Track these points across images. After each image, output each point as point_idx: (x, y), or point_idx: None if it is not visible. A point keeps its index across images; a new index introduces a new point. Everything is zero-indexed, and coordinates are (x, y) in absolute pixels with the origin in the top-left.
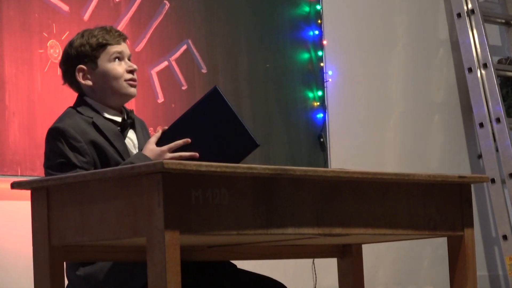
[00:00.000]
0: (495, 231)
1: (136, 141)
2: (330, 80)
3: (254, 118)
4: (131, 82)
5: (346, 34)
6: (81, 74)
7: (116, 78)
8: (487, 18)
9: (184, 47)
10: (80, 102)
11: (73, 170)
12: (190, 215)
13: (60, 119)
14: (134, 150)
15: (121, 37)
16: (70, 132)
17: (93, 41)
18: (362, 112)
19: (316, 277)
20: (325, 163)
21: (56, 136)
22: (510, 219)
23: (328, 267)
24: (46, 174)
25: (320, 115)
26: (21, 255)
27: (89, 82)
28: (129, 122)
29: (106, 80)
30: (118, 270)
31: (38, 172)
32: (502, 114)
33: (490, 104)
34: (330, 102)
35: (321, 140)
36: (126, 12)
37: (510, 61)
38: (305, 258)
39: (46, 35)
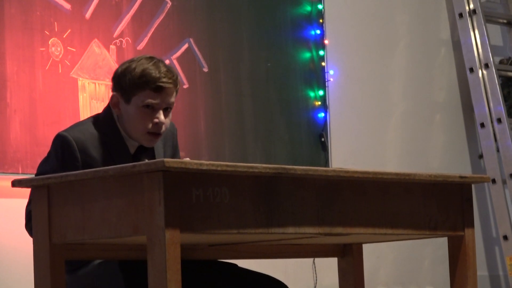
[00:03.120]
0: (495, 231)
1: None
2: (331, 79)
3: (256, 117)
4: (150, 138)
5: (347, 33)
6: (114, 100)
7: (137, 127)
8: (489, 18)
9: (186, 45)
10: (108, 118)
11: None
12: (191, 214)
13: (73, 127)
14: None
15: (164, 85)
16: (73, 147)
17: (136, 77)
18: (363, 112)
19: (316, 277)
20: (326, 163)
21: (59, 145)
22: (510, 219)
23: (329, 266)
24: (36, 172)
25: (321, 115)
26: (21, 253)
27: (118, 111)
28: (144, 150)
29: (130, 122)
30: (111, 272)
31: None
32: (503, 114)
33: (491, 104)
34: (331, 102)
35: (322, 139)
36: (128, 11)
37: None
38: (306, 258)
39: (47, 33)
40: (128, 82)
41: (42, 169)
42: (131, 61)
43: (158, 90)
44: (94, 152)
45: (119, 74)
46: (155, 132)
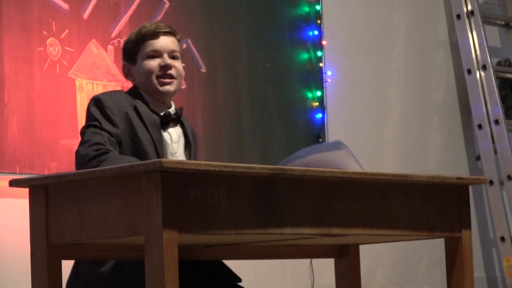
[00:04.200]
0: (493, 233)
1: (175, 136)
2: (329, 80)
3: (253, 117)
4: (161, 80)
5: (345, 34)
6: (126, 70)
7: (147, 75)
8: (487, 20)
9: (184, 46)
10: (133, 89)
11: (102, 133)
12: (189, 214)
13: (106, 92)
14: (170, 143)
15: (161, 32)
16: (108, 102)
17: (133, 36)
18: (361, 113)
19: (313, 277)
20: None
21: (95, 103)
22: (508, 220)
23: (326, 267)
24: (80, 134)
25: (319, 115)
26: (19, 253)
27: (132, 79)
28: (173, 117)
29: (142, 77)
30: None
31: (36, 170)
32: (501, 116)
33: (489, 105)
34: (329, 103)
35: (320, 140)
36: (126, 11)
37: (510, 63)
38: (303, 258)
39: (45, 33)
40: (130, 45)
41: (84, 132)
42: (131, 32)
43: (156, 36)
44: (128, 111)
45: (123, 46)
46: (163, 75)
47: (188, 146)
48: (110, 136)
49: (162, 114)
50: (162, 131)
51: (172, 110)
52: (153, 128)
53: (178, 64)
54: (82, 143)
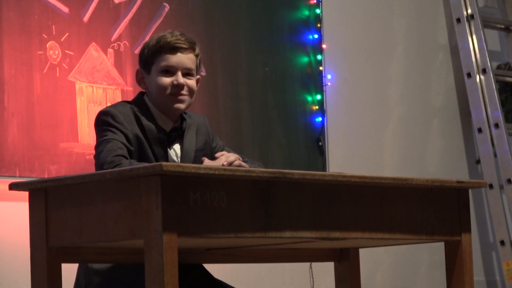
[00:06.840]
0: (492, 237)
1: (179, 151)
2: (329, 84)
3: (253, 121)
4: (173, 98)
5: (345, 38)
6: (139, 76)
7: (159, 91)
8: (487, 24)
9: None
10: (138, 99)
11: (120, 146)
12: (188, 218)
13: (113, 105)
14: (177, 160)
15: (179, 48)
16: (119, 117)
17: (152, 45)
18: (361, 116)
19: (313, 281)
20: (324, 167)
21: (106, 116)
22: (507, 224)
23: (326, 271)
24: (96, 154)
25: (319, 119)
26: (19, 257)
27: (144, 86)
28: (179, 134)
29: (153, 91)
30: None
31: (36, 173)
32: (501, 120)
33: (488, 109)
34: (329, 106)
35: (320, 144)
36: (126, 14)
37: (509, 67)
38: (303, 262)
39: (45, 36)
40: (146, 53)
41: (101, 149)
42: (151, 38)
43: (173, 51)
44: (135, 126)
45: (140, 51)
46: (176, 93)
47: (199, 153)
48: (124, 145)
49: (168, 130)
50: (168, 149)
51: (178, 124)
52: (155, 143)
53: (191, 82)
54: (99, 153)
